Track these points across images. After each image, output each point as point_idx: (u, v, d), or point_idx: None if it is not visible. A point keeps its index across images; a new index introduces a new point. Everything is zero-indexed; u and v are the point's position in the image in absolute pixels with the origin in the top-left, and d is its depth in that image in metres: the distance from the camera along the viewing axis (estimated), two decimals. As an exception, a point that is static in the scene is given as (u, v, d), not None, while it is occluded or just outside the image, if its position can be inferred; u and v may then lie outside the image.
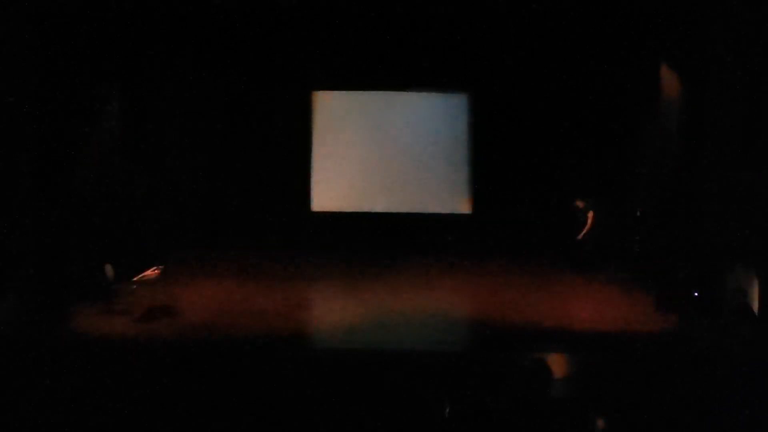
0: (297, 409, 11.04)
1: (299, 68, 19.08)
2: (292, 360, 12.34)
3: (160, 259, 15.45)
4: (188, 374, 12.14)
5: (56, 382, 11.74)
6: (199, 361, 12.47)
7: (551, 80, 18.67)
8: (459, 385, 11.68)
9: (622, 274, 16.48)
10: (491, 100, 19.14)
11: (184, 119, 19.21)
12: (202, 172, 19.51)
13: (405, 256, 19.11)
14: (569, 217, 17.84)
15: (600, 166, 18.86)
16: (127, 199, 16.14)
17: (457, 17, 17.21)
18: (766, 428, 10.02)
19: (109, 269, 14.48)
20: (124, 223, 15.96)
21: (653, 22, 14.58)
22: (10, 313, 13.18)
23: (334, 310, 14.77)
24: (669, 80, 14.24)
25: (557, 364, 12.45)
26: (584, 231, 17.33)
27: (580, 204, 17.79)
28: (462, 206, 19.52)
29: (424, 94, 19.52)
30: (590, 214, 17.26)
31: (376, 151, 19.58)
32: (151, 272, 14.39)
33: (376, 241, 19.50)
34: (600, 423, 8.08)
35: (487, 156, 19.27)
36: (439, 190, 19.55)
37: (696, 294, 12.13)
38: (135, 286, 14.35)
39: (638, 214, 16.26)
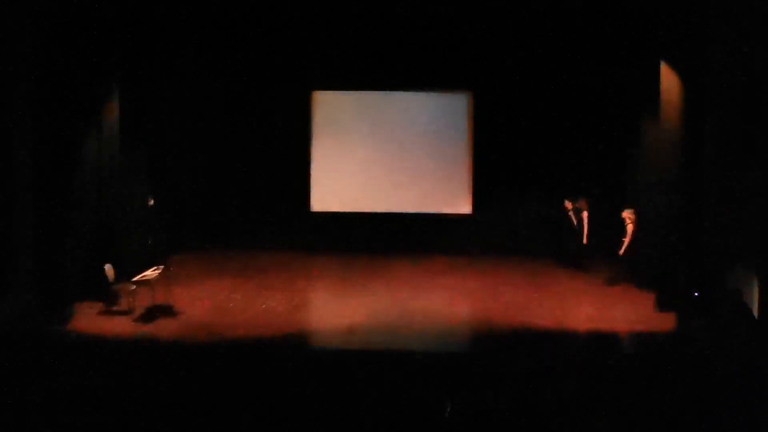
0: (297, 409, 11.04)
1: (299, 68, 19.07)
2: (292, 360, 12.35)
3: (160, 259, 15.45)
4: (188, 374, 12.14)
5: (56, 382, 11.74)
6: (199, 360, 12.48)
7: (552, 80, 18.67)
8: (459, 385, 11.69)
9: (622, 273, 16.48)
10: (493, 99, 19.12)
11: (183, 119, 19.21)
12: (201, 172, 19.50)
13: (405, 256, 19.13)
14: (559, 218, 17.85)
15: (600, 167, 18.88)
16: (127, 200, 16.13)
17: (458, 17, 17.20)
18: (765, 428, 10.03)
19: (109, 269, 14.48)
20: (124, 223, 15.94)
21: (653, 22, 14.58)
22: (10, 312, 13.17)
23: (334, 310, 14.77)
24: (669, 80, 14.23)
25: (557, 364, 12.46)
26: (585, 233, 17.32)
27: (568, 204, 17.79)
28: (462, 206, 19.51)
29: (424, 94, 19.51)
30: (585, 215, 17.24)
31: (376, 152, 19.57)
32: (151, 272, 14.39)
33: (376, 241, 19.51)
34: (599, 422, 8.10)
35: (488, 156, 19.26)
36: (440, 190, 19.54)
37: (696, 294, 12.12)
38: (135, 286, 14.35)
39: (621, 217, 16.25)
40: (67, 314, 13.74)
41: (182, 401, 11.03)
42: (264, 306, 14.94)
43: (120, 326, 13.68)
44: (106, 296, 14.40)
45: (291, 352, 12.65)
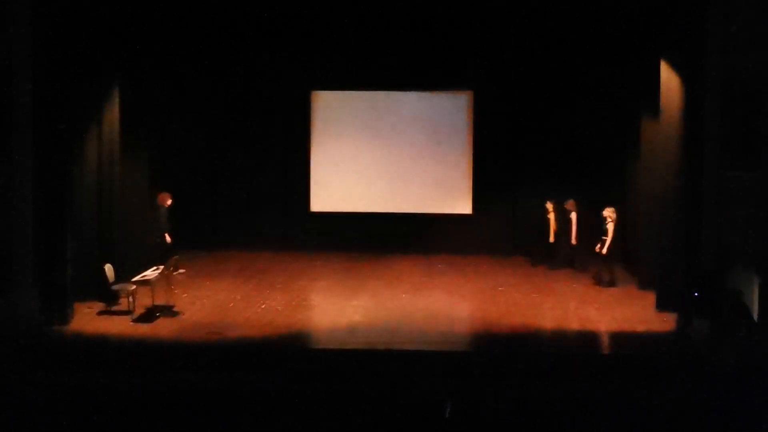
0: (297, 408, 11.04)
1: (299, 68, 19.06)
2: (292, 360, 12.35)
3: (160, 259, 15.45)
4: (188, 374, 12.14)
5: (56, 382, 11.74)
6: (199, 360, 12.48)
7: (552, 80, 18.67)
8: (459, 385, 11.69)
9: (605, 273, 16.52)
10: (493, 99, 19.11)
11: (183, 119, 19.19)
12: (201, 172, 19.49)
13: (405, 256, 19.12)
14: (541, 219, 17.88)
15: (600, 167, 18.89)
16: (127, 200, 16.12)
17: (458, 16, 17.18)
18: (764, 427, 10.03)
19: (109, 269, 14.48)
20: (124, 224, 15.93)
21: (653, 21, 14.57)
22: (10, 312, 13.16)
23: (334, 310, 14.77)
24: (669, 80, 14.22)
25: (558, 364, 12.46)
26: (573, 234, 17.29)
27: (549, 205, 17.79)
28: (462, 206, 19.50)
29: (424, 94, 19.50)
30: (573, 216, 17.23)
31: (376, 152, 19.55)
32: (151, 272, 14.39)
33: (376, 241, 19.50)
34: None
35: (489, 156, 19.25)
36: (440, 190, 19.53)
37: (696, 294, 12.12)
38: (135, 286, 14.34)
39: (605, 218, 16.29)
40: (67, 314, 13.73)
41: (182, 401, 11.04)
42: (264, 306, 14.95)
43: (120, 326, 13.68)
44: (106, 296, 14.39)
45: (291, 352, 12.64)
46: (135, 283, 14.30)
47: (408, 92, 19.52)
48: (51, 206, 13.72)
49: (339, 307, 14.95)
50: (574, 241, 17.36)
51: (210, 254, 18.79)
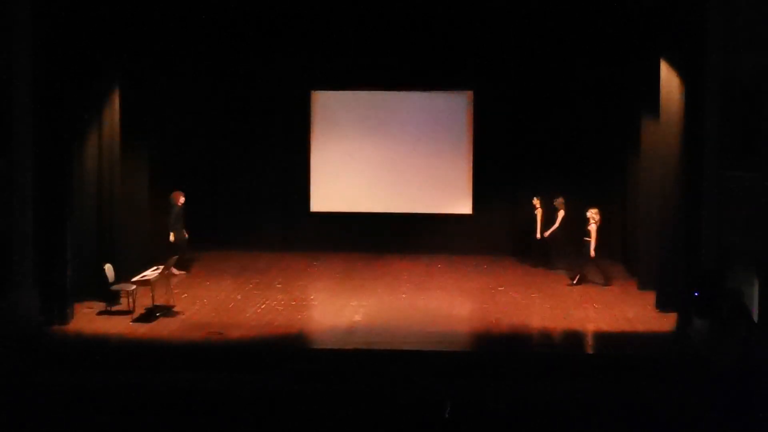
0: (297, 408, 11.04)
1: (298, 68, 19.05)
2: (292, 360, 12.35)
3: (160, 259, 15.45)
4: (188, 374, 12.14)
5: (56, 382, 11.74)
6: (199, 360, 12.48)
7: (552, 80, 18.66)
8: (459, 385, 11.69)
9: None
10: (493, 99, 19.09)
11: (183, 119, 19.17)
12: (201, 172, 19.47)
13: (405, 256, 19.11)
14: (529, 214, 17.92)
15: (600, 167, 18.89)
16: (128, 200, 16.12)
17: (458, 16, 17.18)
18: (764, 427, 10.03)
19: (109, 269, 14.47)
20: (124, 224, 15.92)
21: (653, 21, 14.56)
22: (10, 312, 13.16)
23: (334, 310, 14.76)
24: (669, 80, 14.21)
25: (558, 364, 12.46)
26: (551, 229, 17.26)
27: (536, 202, 17.81)
28: (462, 206, 19.49)
29: (424, 94, 19.48)
30: (560, 214, 17.21)
31: (376, 152, 19.52)
32: (151, 272, 14.39)
33: (376, 241, 19.49)
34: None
35: (489, 156, 19.24)
36: (440, 190, 19.51)
37: (696, 294, 12.11)
38: (135, 286, 14.34)
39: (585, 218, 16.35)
40: (67, 314, 13.73)
41: (182, 401, 11.04)
42: (264, 306, 14.94)
43: (120, 326, 13.68)
44: (106, 296, 14.39)
45: (291, 352, 12.64)
46: (135, 283, 14.30)
47: (408, 92, 19.49)
48: (51, 206, 13.72)
49: (339, 307, 14.94)
50: (547, 233, 17.31)
51: (210, 254, 18.79)
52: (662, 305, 14.40)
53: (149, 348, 12.77)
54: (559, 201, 17.31)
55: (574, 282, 16.42)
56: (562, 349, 13.08)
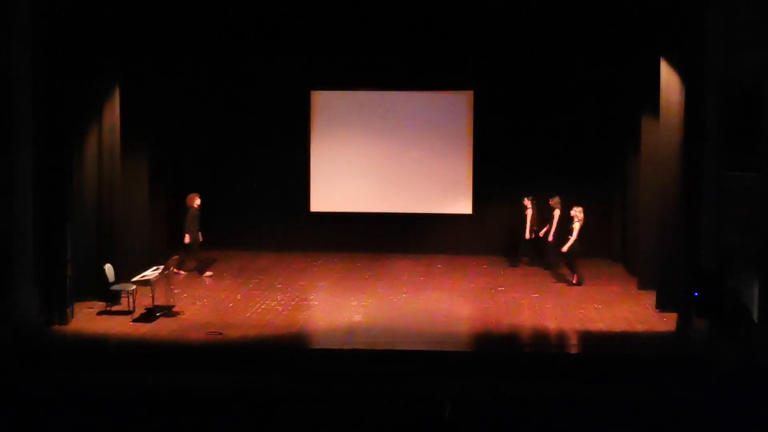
0: (297, 408, 11.04)
1: (298, 68, 19.05)
2: (292, 360, 12.35)
3: (160, 259, 15.45)
4: (188, 374, 12.14)
5: (56, 382, 11.74)
6: (199, 360, 12.48)
7: (552, 80, 18.69)
8: (459, 385, 11.69)
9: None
10: (493, 99, 19.09)
11: (183, 119, 19.21)
12: (201, 172, 19.48)
13: (405, 256, 19.13)
14: (520, 215, 17.95)
15: (600, 167, 18.91)
16: (128, 200, 16.12)
17: (458, 15, 17.19)
18: (765, 428, 10.03)
19: (109, 269, 14.47)
20: (124, 224, 15.93)
21: (653, 21, 14.57)
22: (10, 312, 13.15)
23: (334, 310, 14.76)
24: (669, 80, 14.21)
25: (558, 364, 12.46)
26: (552, 230, 17.26)
27: (526, 201, 17.82)
28: (462, 206, 19.49)
29: (424, 94, 19.47)
30: (556, 214, 17.22)
31: (375, 152, 19.52)
32: (151, 272, 14.39)
33: (376, 241, 19.50)
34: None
35: (489, 156, 19.25)
36: (440, 190, 19.51)
37: (696, 294, 12.12)
38: (135, 286, 14.34)
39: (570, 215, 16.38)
40: (67, 314, 13.73)
41: (182, 401, 11.04)
42: (264, 306, 14.94)
43: (120, 326, 13.68)
44: (106, 296, 14.39)
45: (291, 352, 12.64)
46: (135, 283, 14.31)
47: (408, 92, 19.49)
48: (51, 206, 13.73)
49: (339, 307, 14.94)
50: (551, 238, 17.37)
51: (210, 254, 18.78)
52: (662, 305, 14.40)
53: (149, 348, 12.77)
54: (555, 200, 17.32)
55: (574, 282, 16.44)
56: (562, 349, 13.08)
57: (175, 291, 15.19)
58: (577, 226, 16.19)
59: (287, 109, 19.52)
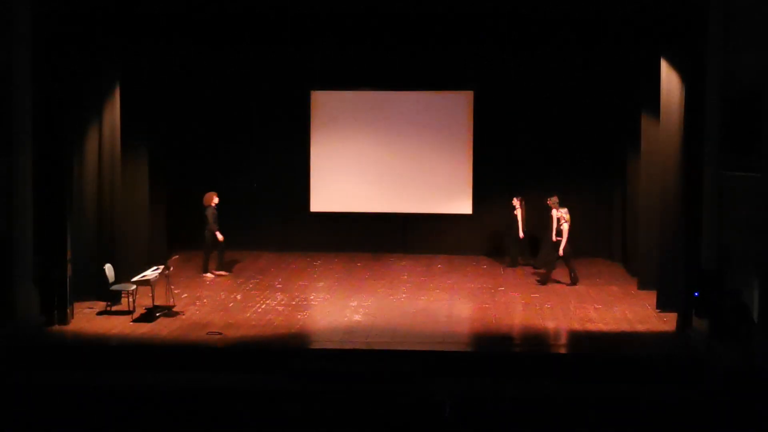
0: (297, 408, 11.05)
1: (298, 68, 19.03)
2: (292, 360, 12.34)
3: (160, 259, 15.44)
4: (188, 374, 12.14)
5: (56, 382, 11.75)
6: (199, 360, 12.47)
7: (552, 80, 18.69)
8: (459, 385, 11.69)
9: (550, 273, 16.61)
10: (494, 99, 19.09)
11: (183, 119, 19.19)
12: (201, 172, 19.47)
13: (405, 256, 19.13)
14: (509, 215, 17.96)
15: (600, 167, 18.91)
16: (128, 200, 16.12)
17: (458, 15, 17.15)
18: (764, 427, 10.04)
19: (109, 269, 14.47)
20: (124, 224, 15.92)
21: (653, 21, 14.55)
22: (10, 313, 13.15)
23: (334, 310, 14.76)
24: (669, 79, 14.21)
25: (558, 364, 12.46)
26: (554, 230, 17.27)
27: (515, 201, 17.82)
28: (463, 206, 19.48)
29: (424, 94, 19.46)
30: (554, 213, 17.21)
31: (376, 152, 19.51)
32: (151, 272, 14.38)
33: (376, 241, 19.50)
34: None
35: (489, 156, 19.25)
36: (440, 190, 19.50)
37: (696, 294, 12.12)
38: (135, 286, 14.34)
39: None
40: (67, 314, 13.73)
41: (182, 401, 11.04)
42: (264, 306, 14.94)
43: (120, 326, 13.68)
44: (106, 296, 14.39)
45: (291, 352, 12.64)
46: (135, 283, 14.31)
47: (408, 92, 19.49)
48: (51, 206, 13.73)
49: (339, 307, 14.94)
50: (554, 237, 17.39)
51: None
52: (662, 305, 14.40)
53: (149, 348, 12.77)
54: (553, 200, 17.32)
55: (572, 282, 16.45)
56: (562, 349, 13.07)
57: (175, 291, 15.19)
58: (565, 227, 16.22)
59: (287, 109, 19.52)
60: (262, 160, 19.52)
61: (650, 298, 14.95)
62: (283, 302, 15.20)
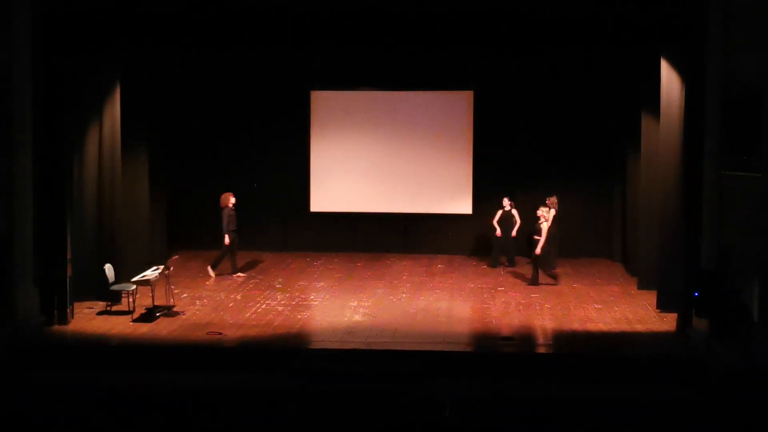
0: (297, 408, 11.05)
1: (298, 68, 19.03)
2: (292, 360, 12.34)
3: (160, 259, 15.43)
4: (188, 374, 12.15)
5: (56, 382, 11.75)
6: (199, 360, 12.48)
7: (552, 80, 18.70)
8: (459, 385, 11.69)
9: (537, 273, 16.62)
10: (494, 99, 19.08)
11: (183, 119, 19.19)
12: (201, 172, 19.48)
13: (405, 256, 19.13)
14: (502, 216, 18.01)
15: (600, 167, 18.92)
16: (128, 200, 16.12)
17: (457, 15, 17.14)
18: (764, 427, 10.03)
19: (109, 269, 14.47)
20: (125, 224, 15.92)
21: (653, 20, 14.55)
22: (10, 313, 13.15)
23: (334, 310, 14.76)
24: (669, 79, 14.21)
25: (558, 364, 12.47)
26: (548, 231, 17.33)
27: (505, 202, 17.84)
28: (463, 206, 19.47)
29: (424, 94, 19.46)
30: (551, 213, 17.22)
31: (375, 152, 19.52)
32: (151, 272, 14.38)
33: (376, 241, 19.50)
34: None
35: (489, 156, 19.24)
36: (440, 190, 19.50)
37: (696, 294, 12.12)
38: (135, 286, 14.34)
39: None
40: (67, 314, 13.73)
41: (182, 401, 11.04)
42: (264, 306, 14.94)
43: (120, 326, 13.68)
44: (106, 296, 14.39)
45: (291, 352, 12.64)
46: (135, 283, 14.31)
47: (408, 92, 19.49)
48: (51, 206, 13.73)
49: (339, 307, 14.95)
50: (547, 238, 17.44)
51: (210, 254, 18.78)
52: (662, 305, 14.40)
53: (149, 348, 12.77)
54: (552, 200, 17.33)
55: (550, 276, 16.48)
56: (562, 349, 13.07)
57: (175, 291, 15.19)
58: (545, 226, 16.25)
59: (287, 109, 19.52)
60: (262, 160, 19.52)
61: (650, 298, 14.95)
62: (283, 302, 15.21)
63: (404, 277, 17.29)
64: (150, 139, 17.11)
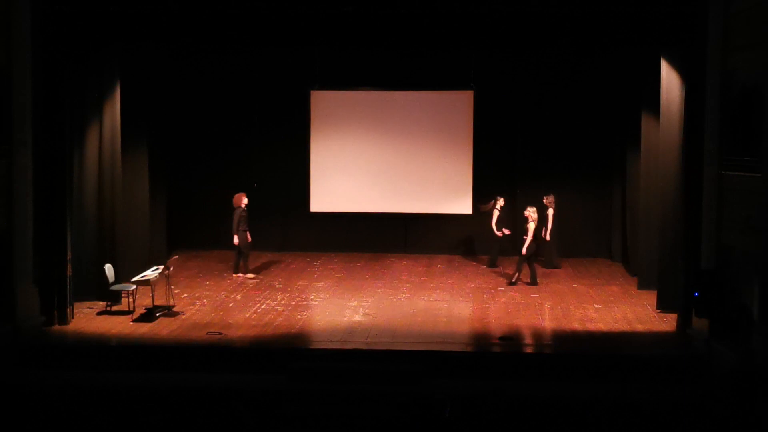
0: (297, 408, 11.05)
1: (298, 68, 19.04)
2: (292, 360, 12.34)
3: (160, 259, 15.43)
4: (188, 374, 12.15)
5: (56, 382, 11.75)
6: (199, 360, 12.48)
7: (553, 80, 18.72)
8: (459, 385, 11.69)
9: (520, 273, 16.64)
10: (494, 99, 19.09)
11: (183, 118, 19.20)
12: (201, 172, 19.48)
13: (405, 256, 19.14)
14: (491, 215, 18.03)
15: (600, 166, 18.93)
16: (128, 200, 16.12)
17: (458, 15, 17.15)
18: (764, 427, 10.03)
19: (109, 269, 14.47)
20: (125, 224, 15.92)
21: (653, 20, 14.55)
22: (10, 312, 13.15)
23: (334, 310, 14.76)
24: (669, 79, 14.21)
25: (558, 364, 12.47)
26: (549, 230, 17.35)
27: (500, 202, 17.89)
28: (463, 206, 19.47)
29: (425, 93, 19.46)
30: (550, 213, 17.23)
31: (375, 152, 19.52)
32: (151, 272, 14.38)
33: (376, 241, 19.51)
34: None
35: (489, 156, 19.25)
36: (440, 190, 19.50)
37: (696, 294, 12.12)
38: (135, 286, 14.34)
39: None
40: (67, 314, 13.73)
41: (182, 401, 11.04)
42: (264, 306, 14.94)
43: (120, 326, 13.68)
44: (106, 296, 14.39)
45: (291, 352, 12.64)
46: (135, 283, 14.31)
47: (408, 92, 19.50)
48: (51, 206, 13.73)
49: (339, 307, 14.94)
50: (548, 237, 17.43)
51: (210, 254, 18.80)
52: (662, 305, 14.40)
53: (149, 348, 12.77)
54: (550, 199, 17.32)
55: (513, 281, 16.49)
56: (562, 349, 13.07)
57: (175, 291, 15.19)
58: (531, 226, 16.29)
59: (287, 109, 19.52)
60: (262, 160, 19.52)
61: (650, 298, 14.95)
62: (283, 302, 15.21)
63: (404, 277, 17.29)
64: (150, 139, 17.11)
